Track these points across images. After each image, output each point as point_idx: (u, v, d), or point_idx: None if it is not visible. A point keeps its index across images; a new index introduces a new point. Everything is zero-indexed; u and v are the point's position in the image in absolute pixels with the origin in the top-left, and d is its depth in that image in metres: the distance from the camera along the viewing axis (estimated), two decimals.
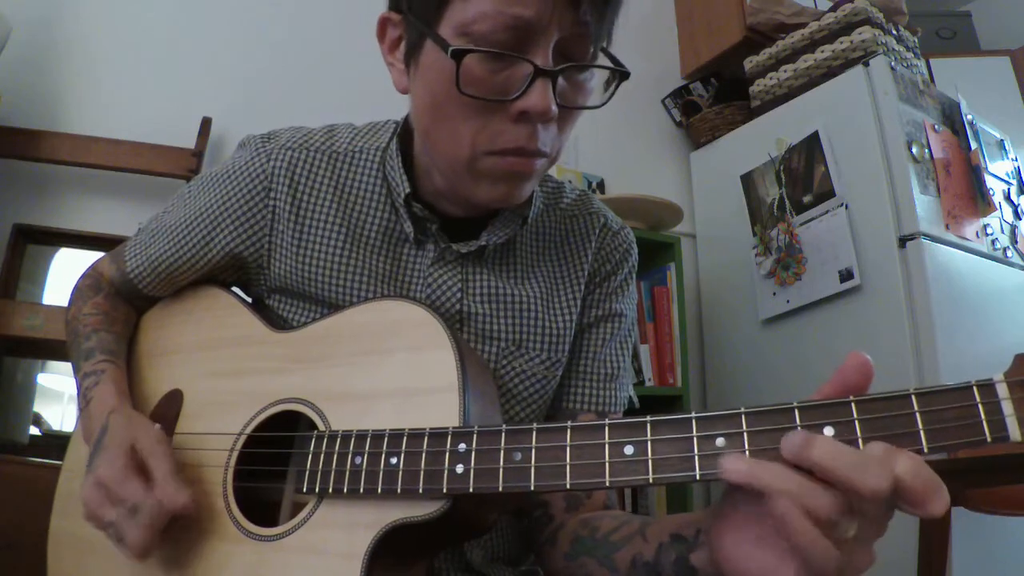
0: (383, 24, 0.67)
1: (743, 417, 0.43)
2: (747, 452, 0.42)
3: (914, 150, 1.80)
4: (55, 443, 1.45)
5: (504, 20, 0.55)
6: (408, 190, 0.69)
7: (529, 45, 0.57)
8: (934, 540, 1.31)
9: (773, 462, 0.40)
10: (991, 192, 1.96)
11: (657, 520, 0.60)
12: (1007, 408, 0.38)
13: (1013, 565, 1.71)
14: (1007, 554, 1.72)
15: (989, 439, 0.38)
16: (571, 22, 0.57)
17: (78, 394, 0.71)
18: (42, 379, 1.56)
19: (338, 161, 0.73)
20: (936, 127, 1.91)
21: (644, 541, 0.58)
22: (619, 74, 0.62)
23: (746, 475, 0.40)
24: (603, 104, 0.63)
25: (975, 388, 0.39)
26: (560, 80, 0.59)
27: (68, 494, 0.76)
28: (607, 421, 0.47)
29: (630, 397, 0.80)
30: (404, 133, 0.73)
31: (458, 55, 0.56)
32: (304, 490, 0.58)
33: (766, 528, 0.42)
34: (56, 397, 1.55)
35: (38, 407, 1.52)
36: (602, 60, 0.62)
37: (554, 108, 0.58)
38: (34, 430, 1.49)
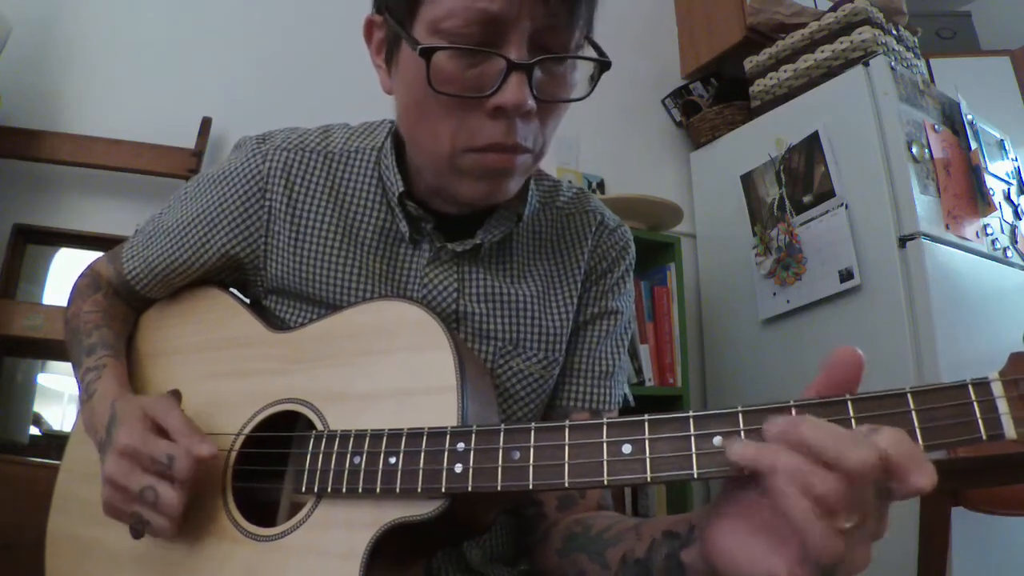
0: (368, 26, 0.67)
1: (740, 416, 0.43)
2: None
3: (914, 150, 1.80)
4: (55, 443, 1.45)
5: (472, 15, 0.55)
6: (402, 189, 0.69)
7: (501, 39, 0.56)
8: (934, 540, 1.31)
9: (775, 443, 0.40)
10: (991, 192, 1.96)
11: (652, 519, 0.60)
12: (1002, 406, 0.38)
13: (1013, 565, 1.71)
14: (1007, 554, 1.71)
15: (984, 437, 0.38)
16: (542, 13, 0.56)
17: (79, 389, 0.72)
18: (42, 379, 1.56)
19: (334, 161, 0.73)
20: (936, 127, 1.91)
21: (637, 538, 0.58)
22: (602, 64, 0.61)
23: (752, 457, 0.40)
24: (586, 96, 0.62)
25: (971, 386, 0.39)
26: (538, 73, 0.58)
27: (67, 494, 0.76)
28: (605, 420, 0.47)
29: (625, 395, 0.80)
30: (399, 133, 0.73)
31: (427, 53, 0.56)
32: (303, 490, 0.58)
33: (760, 519, 0.42)
34: (56, 397, 1.55)
35: (38, 407, 1.52)
36: (587, 50, 0.62)
37: (530, 102, 0.57)
38: (34, 430, 1.49)
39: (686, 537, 0.53)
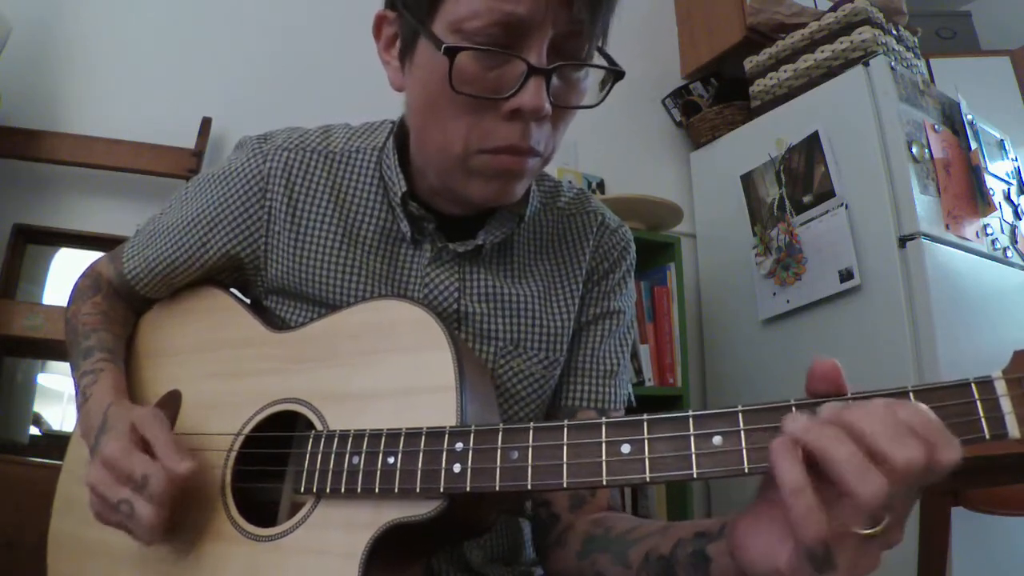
0: (379, 22, 0.67)
1: (740, 415, 0.43)
2: (744, 451, 0.42)
3: (914, 150, 1.80)
4: (55, 443, 1.44)
5: (497, 17, 0.55)
6: (404, 189, 0.69)
7: (522, 42, 0.57)
8: (934, 540, 1.31)
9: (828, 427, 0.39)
10: (991, 192, 1.95)
11: (682, 523, 0.59)
12: (1006, 405, 0.38)
13: (1013, 565, 1.71)
14: (1007, 554, 1.71)
15: (988, 436, 0.38)
16: (565, 20, 0.57)
17: (76, 393, 0.71)
18: (42, 379, 1.56)
19: (334, 161, 0.73)
20: (936, 127, 1.91)
21: (662, 537, 0.58)
22: (614, 73, 0.62)
23: (802, 432, 0.39)
24: (598, 103, 0.63)
25: (973, 385, 0.39)
26: (554, 79, 0.58)
27: (68, 495, 0.76)
28: (604, 420, 0.47)
29: (629, 395, 0.80)
30: (400, 133, 0.73)
31: (451, 52, 0.56)
32: (302, 490, 0.58)
33: (779, 514, 0.42)
34: (56, 397, 1.55)
35: (38, 407, 1.52)
36: (598, 59, 0.62)
37: (547, 107, 0.57)
38: (34, 430, 1.49)
39: (716, 534, 0.53)
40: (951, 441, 0.37)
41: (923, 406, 0.38)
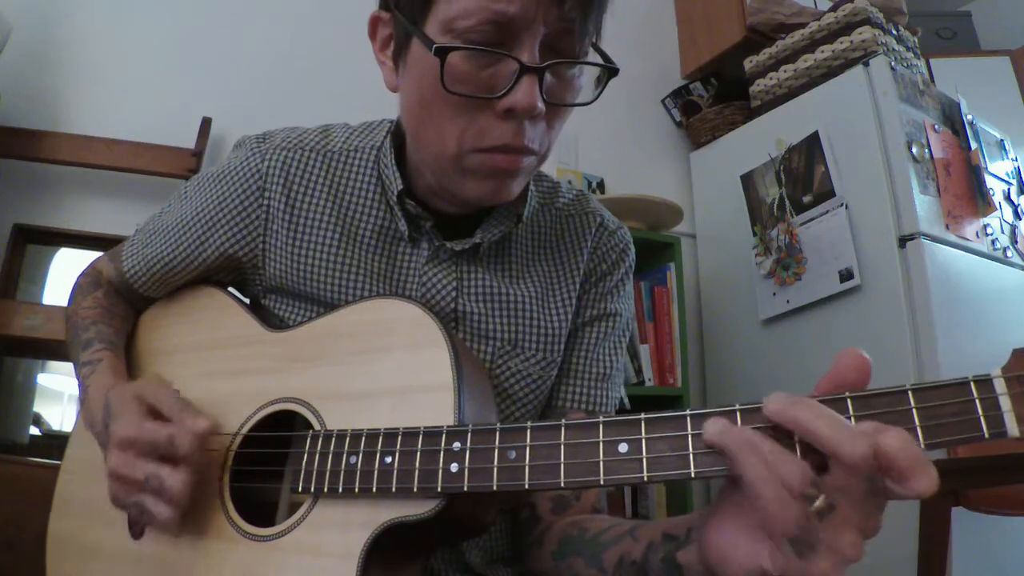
0: (374, 23, 0.67)
1: (738, 414, 0.43)
2: None
3: (914, 150, 1.80)
4: (55, 443, 1.45)
5: (488, 16, 0.55)
6: (400, 187, 0.69)
7: (514, 41, 0.57)
8: (934, 540, 1.31)
9: (748, 427, 0.41)
10: (991, 192, 1.95)
11: (649, 522, 0.59)
12: (1005, 404, 0.37)
13: (1013, 565, 1.71)
14: (1007, 554, 1.71)
15: (987, 435, 0.38)
16: (556, 17, 0.57)
17: (79, 386, 0.71)
18: (42, 379, 1.56)
19: (333, 160, 0.73)
20: (936, 127, 1.91)
21: (634, 541, 0.58)
22: (609, 71, 0.62)
23: (717, 436, 0.41)
24: (592, 101, 0.63)
25: (972, 384, 0.38)
26: (547, 76, 0.58)
27: (68, 496, 0.76)
28: (601, 419, 0.47)
29: (622, 399, 0.79)
30: (398, 132, 0.73)
31: (442, 52, 0.56)
32: (299, 490, 0.58)
33: (751, 517, 0.42)
34: (56, 397, 1.55)
35: (38, 407, 1.52)
36: (593, 56, 0.62)
37: (540, 105, 0.57)
38: (34, 430, 1.49)
39: (684, 539, 0.52)
40: (928, 471, 0.37)
41: (907, 435, 0.38)
